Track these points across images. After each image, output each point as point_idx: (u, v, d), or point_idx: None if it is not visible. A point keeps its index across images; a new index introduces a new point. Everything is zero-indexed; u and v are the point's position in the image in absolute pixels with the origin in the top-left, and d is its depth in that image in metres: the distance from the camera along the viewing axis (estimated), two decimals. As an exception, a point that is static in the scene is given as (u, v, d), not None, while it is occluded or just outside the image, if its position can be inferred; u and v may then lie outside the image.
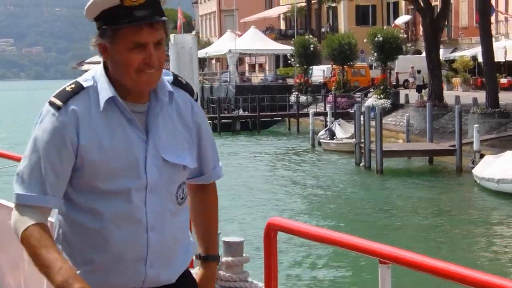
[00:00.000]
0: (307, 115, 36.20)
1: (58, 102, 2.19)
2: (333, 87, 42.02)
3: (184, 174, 2.34)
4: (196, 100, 2.39)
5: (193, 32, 57.87)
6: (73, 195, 2.23)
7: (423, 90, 35.23)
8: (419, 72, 36.65)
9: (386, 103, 34.05)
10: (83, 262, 2.24)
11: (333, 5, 57.60)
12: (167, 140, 2.27)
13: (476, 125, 23.53)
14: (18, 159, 4.51)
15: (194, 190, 2.48)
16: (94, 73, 2.26)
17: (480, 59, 32.24)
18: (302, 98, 41.95)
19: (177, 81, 2.36)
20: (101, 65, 2.27)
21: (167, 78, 2.31)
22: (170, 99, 2.29)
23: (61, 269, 2.06)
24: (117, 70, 2.21)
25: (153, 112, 2.26)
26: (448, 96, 31.01)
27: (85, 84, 2.23)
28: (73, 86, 2.23)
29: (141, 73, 2.18)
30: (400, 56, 39.33)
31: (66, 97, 2.20)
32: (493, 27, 34.69)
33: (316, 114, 36.12)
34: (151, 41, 2.17)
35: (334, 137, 30.18)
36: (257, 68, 66.20)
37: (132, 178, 2.21)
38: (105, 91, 2.21)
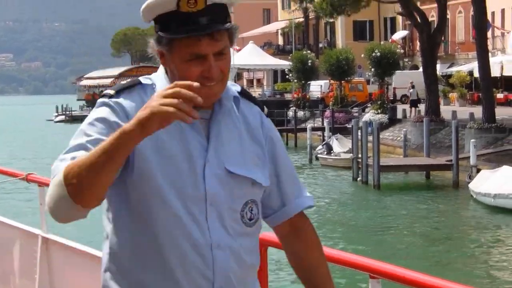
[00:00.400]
0: (305, 130, 36.22)
1: (111, 92, 1.99)
2: (330, 102, 42.08)
3: (253, 192, 2.04)
4: (267, 117, 2.15)
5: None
6: (123, 209, 1.97)
7: (418, 105, 35.35)
8: (413, 87, 36.72)
9: (384, 118, 34.09)
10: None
11: (331, 20, 57.69)
12: (232, 150, 2.01)
13: (472, 140, 23.56)
14: (11, 175, 4.52)
15: (285, 235, 2.18)
16: (154, 76, 2.07)
17: (476, 74, 32.32)
18: (300, 113, 42.01)
19: (244, 92, 2.12)
20: (161, 68, 2.07)
21: (234, 88, 2.09)
22: (236, 107, 2.06)
23: (124, 127, 1.77)
24: (175, 80, 1.95)
25: (216, 118, 2.01)
26: (445, 111, 31.08)
27: (143, 81, 2.04)
28: (129, 80, 2.06)
29: (201, 86, 1.91)
30: (397, 71, 39.42)
31: (120, 88, 2.01)
32: (489, 42, 34.87)
33: (314, 129, 36.13)
34: (211, 52, 1.94)
35: (332, 152, 30.20)
36: (255, 83, 66.35)
37: (189, 187, 1.94)
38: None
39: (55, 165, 1.86)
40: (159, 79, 2.04)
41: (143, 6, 1.98)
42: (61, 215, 1.85)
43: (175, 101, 1.74)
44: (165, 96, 1.75)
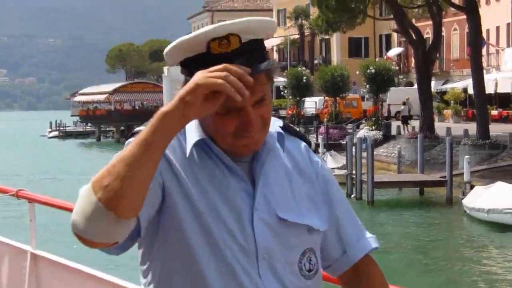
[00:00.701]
0: (299, 146, 36.29)
1: (142, 128, 1.65)
2: (325, 119, 42.16)
3: (311, 239, 1.78)
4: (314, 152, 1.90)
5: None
6: (169, 255, 1.72)
7: (409, 121, 35.41)
8: (404, 103, 36.74)
9: (378, 134, 34.15)
10: None
11: (326, 37, 57.97)
12: (282, 193, 1.76)
13: (467, 157, 23.60)
14: (1, 191, 4.48)
15: (348, 282, 1.92)
16: None
17: (471, 91, 32.44)
18: (294, 130, 42.05)
19: (287, 127, 1.85)
20: None
21: (276, 123, 1.82)
22: (280, 144, 1.80)
23: (162, 109, 1.55)
24: (209, 130, 1.72)
25: (260, 159, 1.74)
26: (440, 127, 31.16)
27: None
28: None
29: (239, 138, 1.69)
30: (392, 88, 39.55)
31: None
32: (484, 59, 35.03)
33: (308, 145, 36.15)
34: (249, 103, 1.65)
35: (326, 168, 30.20)
36: (249, 99, 66.46)
37: (236, 240, 1.69)
38: (192, 134, 1.72)
39: (82, 187, 1.61)
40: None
41: (168, 48, 1.69)
42: (92, 230, 1.55)
43: (223, 73, 1.54)
44: (212, 70, 1.56)
